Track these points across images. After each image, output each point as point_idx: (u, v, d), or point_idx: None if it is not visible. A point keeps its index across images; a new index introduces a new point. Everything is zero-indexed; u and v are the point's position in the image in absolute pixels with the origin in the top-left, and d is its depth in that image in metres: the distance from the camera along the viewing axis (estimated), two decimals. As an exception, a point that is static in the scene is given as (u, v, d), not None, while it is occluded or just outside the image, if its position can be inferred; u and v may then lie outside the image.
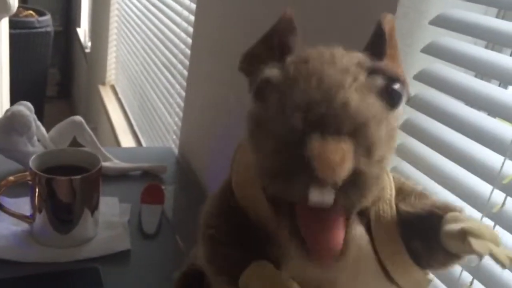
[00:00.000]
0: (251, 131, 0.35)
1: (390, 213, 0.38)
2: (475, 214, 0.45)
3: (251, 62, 0.38)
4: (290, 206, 0.35)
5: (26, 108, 0.80)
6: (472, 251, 0.31)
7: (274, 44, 0.37)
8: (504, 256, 0.31)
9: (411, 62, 0.50)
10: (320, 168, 0.29)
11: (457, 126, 0.46)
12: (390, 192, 0.39)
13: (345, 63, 0.34)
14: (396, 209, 0.39)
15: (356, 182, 0.31)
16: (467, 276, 0.45)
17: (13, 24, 2.07)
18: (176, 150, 1.11)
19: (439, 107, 0.49)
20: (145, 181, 0.87)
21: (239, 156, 0.44)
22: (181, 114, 1.13)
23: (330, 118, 0.31)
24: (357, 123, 0.31)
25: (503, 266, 0.31)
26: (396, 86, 0.34)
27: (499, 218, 0.43)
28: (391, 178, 0.41)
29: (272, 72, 0.34)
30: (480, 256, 0.32)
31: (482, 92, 0.45)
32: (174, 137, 1.20)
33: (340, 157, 0.29)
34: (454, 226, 0.34)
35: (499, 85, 0.50)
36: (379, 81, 0.34)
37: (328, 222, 0.34)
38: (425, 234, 0.37)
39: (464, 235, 0.32)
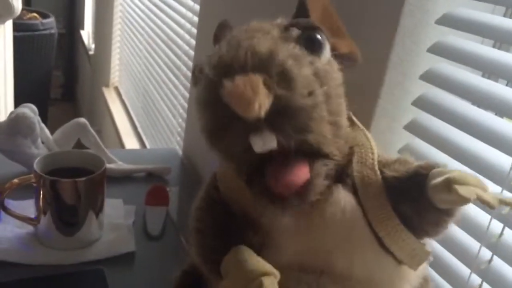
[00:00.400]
0: (197, 113, 0.36)
1: (375, 177, 0.38)
2: (484, 215, 0.44)
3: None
4: (261, 169, 0.35)
5: (30, 110, 0.80)
6: (459, 197, 0.31)
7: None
8: (492, 197, 0.31)
9: (417, 61, 0.50)
10: (236, 105, 0.30)
11: (464, 127, 0.46)
12: (372, 156, 0.39)
13: (260, 25, 0.36)
14: (381, 175, 0.38)
15: (283, 111, 0.32)
16: (476, 279, 0.45)
17: (17, 27, 2.08)
18: (180, 152, 1.11)
19: (446, 107, 0.48)
20: (150, 182, 0.86)
21: None
22: (185, 115, 1.13)
23: (235, 62, 0.33)
24: (262, 57, 0.32)
25: (491, 207, 0.31)
26: (314, 33, 0.36)
27: (508, 220, 0.42)
28: (373, 143, 0.40)
29: (202, 59, 0.37)
30: (468, 201, 0.31)
31: (489, 92, 0.45)
32: (178, 138, 1.20)
33: (250, 88, 0.30)
34: (439, 179, 0.33)
35: (507, 85, 0.49)
36: (294, 31, 0.35)
37: (287, 164, 0.34)
38: (413, 196, 0.36)
39: (449, 184, 0.32)
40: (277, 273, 0.34)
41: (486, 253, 0.44)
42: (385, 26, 0.49)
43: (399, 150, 0.52)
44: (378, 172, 0.38)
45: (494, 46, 0.51)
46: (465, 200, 0.31)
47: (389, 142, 0.53)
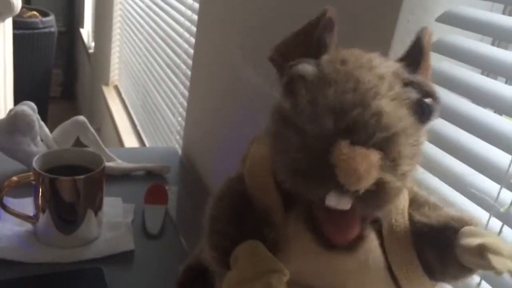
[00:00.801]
0: (276, 125, 0.35)
1: (403, 223, 0.38)
2: (483, 213, 0.44)
3: (284, 54, 0.37)
4: (308, 202, 0.35)
5: (29, 108, 0.80)
6: (491, 267, 0.31)
7: (311, 40, 0.36)
8: None
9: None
10: (344, 176, 0.29)
11: (463, 124, 0.46)
12: (403, 202, 0.39)
13: (383, 70, 0.34)
14: (410, 218, 0.38)
15: (378, 193, 0.31)
16: (474, 277, 0.45)
17: (16, 25, 2.07)
18: (179, 150, 1.11)
19: (445, 105, 0.48)
20: (149, 181, 0.86)
21: (255, 147, 0.44)
22: (184, 114, 1.13)
23: (362, 126, 0.30)
24: (388, 135, 0.31)
25: None
26: (429, 101, 0.34)
27: (506, 217, 0.42)
28: (407, 184, 0.40)
29: (306, 68, 0.34)
30: (499, 273, 0.31)
31: (488, 90, 0.45)
32: (178, 137, 1.20)
33: (366, 167, 0.29)
34: (471, 241, 0.33)
35: (506, 82, 0.49)
36: (414, 94, 0.33)
37: (345, 212, 0.33)
38: (439, 246, 0.36)
39: (482, 251, 0.32)
40: (287, 272, 0.34)
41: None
42: (384, 24, 0.49)
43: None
44: (407, 218, 0.38)
45: (493, 44, 0.51)
46: (496, 272, 0.31)
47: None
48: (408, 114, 0.33)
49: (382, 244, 0.37)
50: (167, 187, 0.84)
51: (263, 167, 0.40)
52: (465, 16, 0.46)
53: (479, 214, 0.45)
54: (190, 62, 1.10)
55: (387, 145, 0.31)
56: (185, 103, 1.13)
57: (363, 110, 0.31)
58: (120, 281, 0.62)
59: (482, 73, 0.50)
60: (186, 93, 1.12)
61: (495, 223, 0.43)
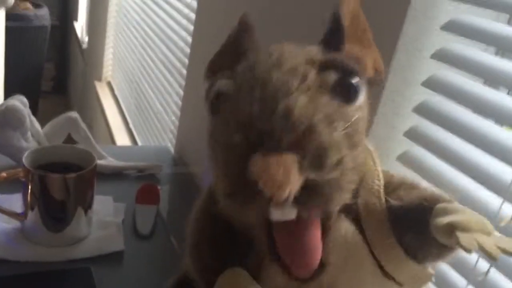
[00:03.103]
0: (210, 147, 0.34)
1: (379, 205, 0.37)
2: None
3: (214, 71, 0.37)
4: (266, 221, 0.33)
5: (20, 102, 0.78)
6: (459, 245, 0.30)
7: (232, 48, 0.36)
8: (493, 247, 0.29)
9: (420, 68, 0.49)
10: (266, 187, 0.28)
11: (465, 135, 0.45)
12: (378, 182, 0.38)
13: (294, 62, 0.32)
14: (386, 202, 0.37)
15: (311, 192, 0.29)
16: (484, 265, 0.44)
17: (9, 17, 2.05)
18: (172, 149, 1.10)
19: (446, 115, 0.47)
20: (141, 181, 0.85)
21: None
22: (178, 112, 1.12)
23: (269, 134, 0.29)
24: (299, 133, 0.29)
25: (493, 258, 0.29)
26: (352, 79, 0.32)
27: (508, 232, 0.42)
28: (379, 168, 0.39)
29: (222, 83, 0.33)
30: (468, 251, 0.30)
31: (490, 100, 0.44)
32: (171, 136, 1.19)
33: (282, 172, 0.28)
34: (442, 220, 0.32)
35: (508, 93, 0.49)
36: (332, 76, 0.32)
37: (303, 237, 0.33)
38: (416, 227, 0.35)
39: (451, 229, 0.31)
40: None
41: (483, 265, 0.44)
42: (388, 32, 0.48)
43: (398, 157, 0.51)
44: (383, 200, 0.37)
45: (496, 54, 0.50)
46: (465, 250, 0.30)
47: (388, 148, 0.52)
48: (329, 100, 0.31)
49: (361, 232, 0.37)
50: (159, 187, 0.83)
51: None
52: (470, 25, 0.46)
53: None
54: (186, 60, 1.09)
55: (301, 143, 0.29)
56: (179, 102, 1.12)
57: (269, 117, 0.30)
58: (109, 281, 0.61)
59: (485, 83, 0.50)
60: (181, 92, 1.11)
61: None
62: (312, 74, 0.32)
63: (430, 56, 0.48)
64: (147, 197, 0.79)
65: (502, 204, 0.42)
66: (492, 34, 0.44)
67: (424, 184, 0.38)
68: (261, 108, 0.30)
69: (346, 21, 0.35)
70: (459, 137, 0.46)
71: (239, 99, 0.31)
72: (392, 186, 0.38)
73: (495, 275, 0.43)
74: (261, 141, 0.29)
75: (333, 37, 0.35)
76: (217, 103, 0.33)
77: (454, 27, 0.47)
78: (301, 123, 0.29)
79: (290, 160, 0.28)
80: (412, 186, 0.38)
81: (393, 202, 0.37)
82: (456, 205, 0.34)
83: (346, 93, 0.32)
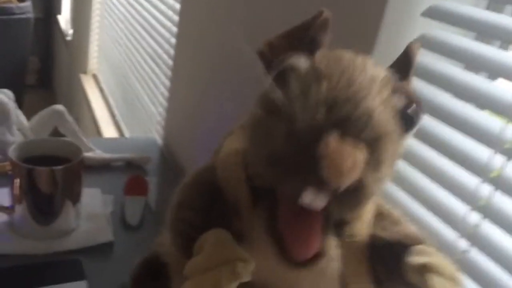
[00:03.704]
0: (261, 115, 0.34)
1: (364, 234, 0.38)
2: (463, 207, 0.45)
3: (274, 49, 0.37)
4: (272, 202, 0.34)
5: (5, 96, 0.77)
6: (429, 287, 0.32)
7: (303, 38, 0.36)
8: None
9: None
10: (328, 170, 0.28)
11: (446, 119, 0.46)
12: (370, 212, 0.39)
13: (375, 73, 0.33)
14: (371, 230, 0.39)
15: (356, 193, 0.30)
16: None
17: (-9, 10, 2.02)
18: (160, 141, 1.10)
19: (428, 100, 0.48)
20: (129, 172, 0.85)
21: (228, 140, 0.44)
22: (165, 104, 1.12)
23: (353, 121, 0.30)
24: (377, 134, 0.30)
25: None
26: (413, 111, 0.34)
27: (486, 211, 0.43)
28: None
29: (299, 60, 0.34)
30: None
31: (470, 85, 0.45)
32: (158, 127, 1.19)
33: (352, 163, 0.28)
34: (417, 259, 0.34)
35: (488, 77, 0.49)
36: (400, 102, 0.33)
37: (308, 224, 0.33)
38: (390, 262, 0.37)
39: (424, 270, 0.32)
40: (253, 262, 0.34)
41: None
42: (370, 19, 0.49)
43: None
44: (369, 230, 0.38)
45: (476, 39, 0.51)
46: None
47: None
48: (394, 120, 0.32)
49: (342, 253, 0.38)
50: (147, 178, 0.83)
51: (235, 160, 0.40)
52: (450, 11, 0.46)
53: (460, 207, 0.45)
54: (172, 51, 1.09)
55: (374, 145, 0.30)
56: (166, 93, 1.12)
57: (355, 107, 0.30)
58: (99, 272, 0.61)
59: (465, 68, 0.50)
60: (167, 82, 1.11)
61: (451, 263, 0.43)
62: (387, 92, 0.33)
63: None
64: (135, 188, 0.79)
65: (480, 184, 0.43)
66: (471, 20, 0.45)
67: (408, 223, 0.40)
68: (348, 95, 0.31)
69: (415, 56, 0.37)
70: (440, 121, 0.47)
71: (322, 79, 0.32)
72: (380, 215, 0.39)
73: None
74: (343, 124, 0.30)
75: (402, 68, 0.37)
76: (285, 76, 0.33)
77: (434, 13, 0.47)
78: (380, 126, 0.31)
79: (363, 155, 0.29)
80: (398, 221, 0.39)
81: (377, 232, 0.38)
82: (433, 249, 0.35)
83: (407, 122, 0.34)
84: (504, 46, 0.50)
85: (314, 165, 0.29)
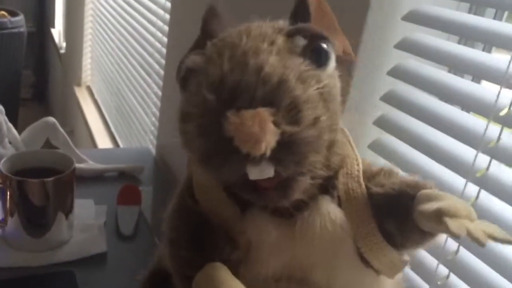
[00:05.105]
0: (180, 123, 0.34)
1: (360, 191, 0.37)
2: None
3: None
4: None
5: (-4, 109, 0.78)
6: (449, 232, 0.30)
7: (204, 37, 0.37)
8: (480, 232, 0.29)
9: (385, 57, 0.50)
10: (242, 143, 0.28)
11: (431, 121, 0.47)
12: (357, 167, 0.38)
13: (262, 30, 0.33)
14: (366, 188, 0.37)
15: (288, 147, 0.30)
16: (443, 270, 0.46)
17: (-16, 25, 2.02)
18: (153, 151, 1.10)
19: (413, 103, 0.49)
20: (122, 182, 0.85)
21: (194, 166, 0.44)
22: (158, 114, 1.12)
23: (242, 89, 0.30)
24: (272, 86, 0.30)
25: (481, 244, 0.29)
26: (321, 43, 0.33)
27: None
28: (357, 153, 0.39)
29: (191, 58, 0.34)
30: (458, 236, 0.30)
31: (455, 87, 0.46)
32: (152, 137, 1.19)
33: (258, 126, 0.28)
34: (428, 206, 0.32)
35: (472, 80, 0.50)
36: (301, 40, 0.33)
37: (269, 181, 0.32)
38: (398, 215, 0.35)
39: (440, 215, 0.31)
40: None
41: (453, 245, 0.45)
42: (352, 24, 0.49)
43: (369, 145, 0.53)
44: (363, 185, 0.37)
45: (459, 42, 0.52)
46: (454, 235, 0.30)
47: (359, 137, 0.53)
48: (299, 60, 0.32)
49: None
50: (140, 188, 0.83)
51: (210, 180, 0.39)
52: (430, 14, 0.47)
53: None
54: (163, 61, 1.09)
55: (275, 96, 0.30)
56: (158, 103, 1.12)
57: (241, 73, 0.30)
58: (93, 284, 0.61)
59: (449, 71, 0.51)
60: (160, 92, 1.11)
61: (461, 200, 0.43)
62: (281, 39, 0.32)
63: (394, 46, 0.50)
64: (129, 198, 0.79)
65: (465, 185, 0.43)
66: (452, 23, 0.46)
67: (400, 172, 0.39)
68: (231, 66, 0.31)
69: (312, 7, 0.36)
70: (425, 123, 0.47)
71: (209, 64, 0.32)
72: (371, 172, 0.38)
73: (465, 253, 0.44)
74: (234, 98, 0.30)
75: (299, 16, 0.36)
76: (187, 79, 0.34)
77: (414, 17, 0.48)
78: (273, 76, 0.30)
79: (265, 113, 0.29)
80: (392, 173, 0.38)
81: (374, 188, 0.37)
82: (438, 191, 0.34)
83: (317, 57, 0.32)
84: (487, 48, 0.50)
85: (231, 146, 0.29)
